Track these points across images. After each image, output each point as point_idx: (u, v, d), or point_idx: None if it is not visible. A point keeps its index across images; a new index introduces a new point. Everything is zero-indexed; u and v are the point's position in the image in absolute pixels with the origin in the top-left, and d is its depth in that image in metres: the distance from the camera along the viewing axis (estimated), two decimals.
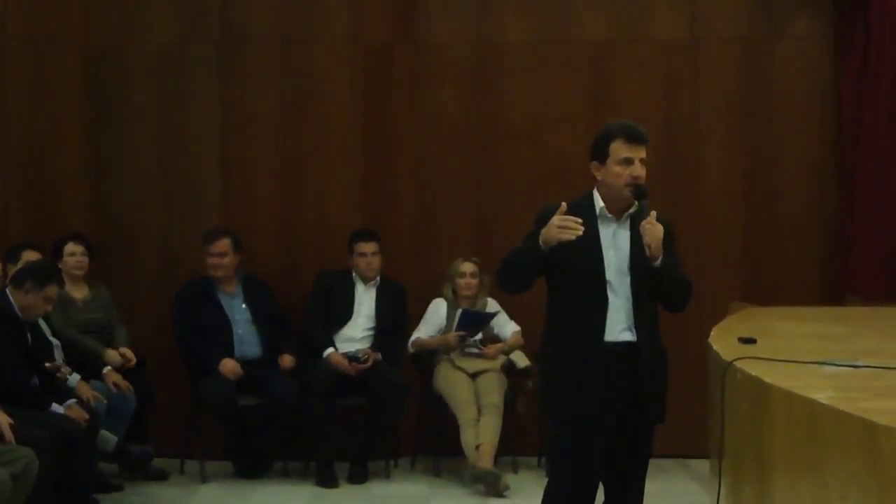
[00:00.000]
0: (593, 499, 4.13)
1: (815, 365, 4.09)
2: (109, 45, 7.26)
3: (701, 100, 7.26)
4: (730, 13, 7.28)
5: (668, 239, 4.05)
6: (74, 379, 6.04)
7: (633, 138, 4.03)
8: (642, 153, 4.03)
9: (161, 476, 6.63)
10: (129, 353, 6.55)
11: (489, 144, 7.35)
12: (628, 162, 4.00)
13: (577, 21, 7.30)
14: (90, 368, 6.32)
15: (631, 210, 4.06)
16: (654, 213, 3.95)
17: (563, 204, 3.90)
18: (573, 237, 3.84)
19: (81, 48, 7.25)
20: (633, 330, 3.99)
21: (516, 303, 6.54)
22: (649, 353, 4.02)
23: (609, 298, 4.00)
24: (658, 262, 3.94)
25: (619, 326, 4.00)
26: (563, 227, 3.84)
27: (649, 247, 3.92)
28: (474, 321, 6.83)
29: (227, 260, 6.84)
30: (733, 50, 7.27)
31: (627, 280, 4.01)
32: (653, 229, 3.91)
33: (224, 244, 6.84)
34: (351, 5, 7.24)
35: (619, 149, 4.02)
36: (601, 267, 4.00)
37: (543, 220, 3.99)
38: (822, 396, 3.47)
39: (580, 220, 3.85)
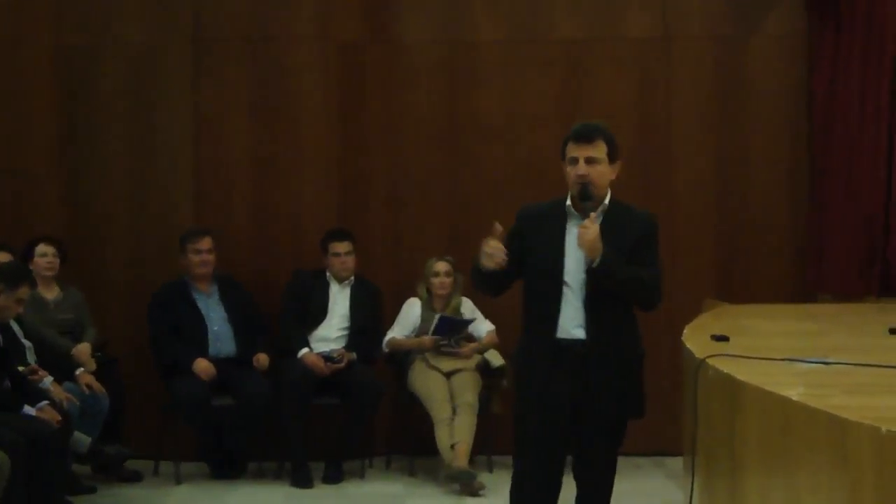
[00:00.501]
0: (554, 491, 4.19)
1: (787, 362, 4.11)
2: (80, 45, 7.22)
3: (674, 98, 7.28)
4: (702, 11, 7.30)
5: (644, 235, 4.09)
6: (47, 381, 6.00)
7: (578, 137, 4.12)
8: (589, 152, 4.08)
9: (135, 477, 6.60)
10: (85, 353, 6.47)
11: (463, 143, 7.35)
12: (574, 161, 4.09)
13: (550, 20, 7.31)
14: (63, 370, 6.29)
15: (599, 209, 4.10)
16: (593, 214, 4.01)
17: (497, 226, 4.02)
18: (492, 265, 3.99)
19: (52, 47, 7.21)
20: (585, 327, 4.03)
21: (491, 302, 6.53)
22: (604, 352, 4.04)
23: (564, 296, 4.07)
24: (595, 263, 3.98)
25: (572, 323, 4.07)
26: (489, 253, 3.99)
27: (582, 249, 3.99)
28: (451, 327, 6.82)
29: (212, 256, 6.86)
30: (706, 48, 7.29)
31: (585, 279, 4.04)
32: (584, 232, 3.98)
33: (209, 241, 6.85)
34: (323, 5, 7.23)
35: (569, 148, 4.13)
36: (560, 265, 4.08)
37: (522, 218, 4.24)
38: (793, 393, 3.49)
39: (504, 250, 3.98)
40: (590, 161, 4.07)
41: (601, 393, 4.06)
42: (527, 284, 4.20)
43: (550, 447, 4.13)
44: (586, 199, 4.05)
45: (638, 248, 4.08)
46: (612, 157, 4.13)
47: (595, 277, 4.00)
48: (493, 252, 3.99)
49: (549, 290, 4.10)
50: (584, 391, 4.06)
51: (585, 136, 4.10)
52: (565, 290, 4.07)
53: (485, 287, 4.23)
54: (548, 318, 4.10)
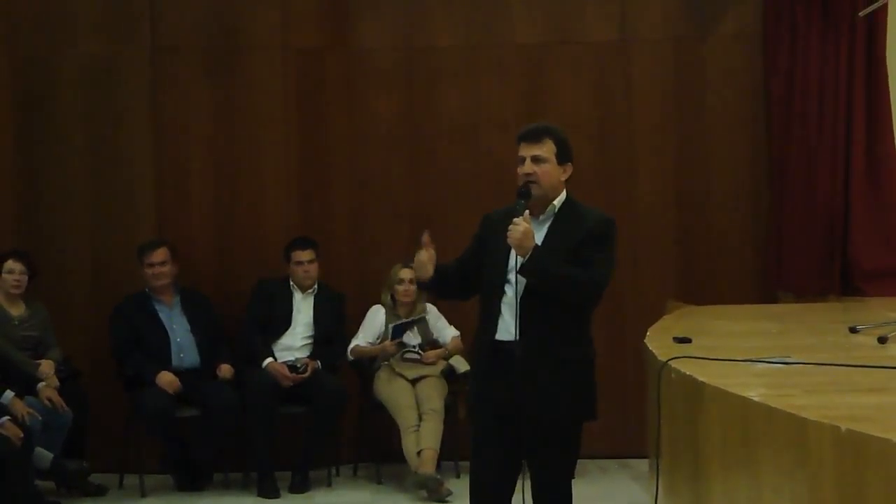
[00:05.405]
0: (498, 487, 4.19)
1: (748, 363, 4.13)
2: (37, 56, 7.16)
3: (633, 100, 7.31)
4: (660, 14, 7.32)
5: (591, 233, 4.09)
6: (8, 396, 5.94)
7: (525, 137, 4.17)
8: (534, 151, 4.12)
9: (99, 492, 6.55)
10: (48, 369, 6.39)
11: (424, 149, 7.35)
12: (521, 161, 4.13)
13: (509, 24, 7.32)
14: (24, 385, 6.22)
15: (549, 210, 4.12)
16: (527, 213, 4.04)
17: (426, 235, 4.16)
18: (419, 277, 4.23)
19: (8, 58, 7.14)
20: (517, 329, 4.04)
21: (456, 308, 6.55)
22: (535, 353, 4.04)
23: (506, 297, 4.10)
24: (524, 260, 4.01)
25: (511, 324, 4.07)
26: (415, 266, 4.20)
27: (511, 245, 4.01)
28: (405, 329, 6.82)
29: (167, 268, 6.80)
30: (664, 50, 7.32)
31: (525, 281, 4.07)
32: (513, 229, 4.00)
33: (162, 253, 6.80)
34: (282, 12, 7.21)
35: (519, 149, 4.18)
36: (504, 268, 4.09)
37: (482, 225, 4.31)
38: (754, 394, 3.51)
39: (426, 266, 4.14)
40: (536, 160, 4.10)
41: (534, 394, 4.06)
42: (481, 286, 4.25)
43: (494, 445, 4.16)
44: (523, 197, 4.08)
45: (583, 245, 4.07)
46: (561, 158, 4.13)
47: (523, 274, 4.01)
48: (417, 266, 4.17)
49: (494, 290, 4.14)
50: (518, 391, 4.05)
51: (532, 136, 4.14)
52: (508, 290, 4.09)
53: (437, 294, 4.31)
54: (491, 318, 4.14)
